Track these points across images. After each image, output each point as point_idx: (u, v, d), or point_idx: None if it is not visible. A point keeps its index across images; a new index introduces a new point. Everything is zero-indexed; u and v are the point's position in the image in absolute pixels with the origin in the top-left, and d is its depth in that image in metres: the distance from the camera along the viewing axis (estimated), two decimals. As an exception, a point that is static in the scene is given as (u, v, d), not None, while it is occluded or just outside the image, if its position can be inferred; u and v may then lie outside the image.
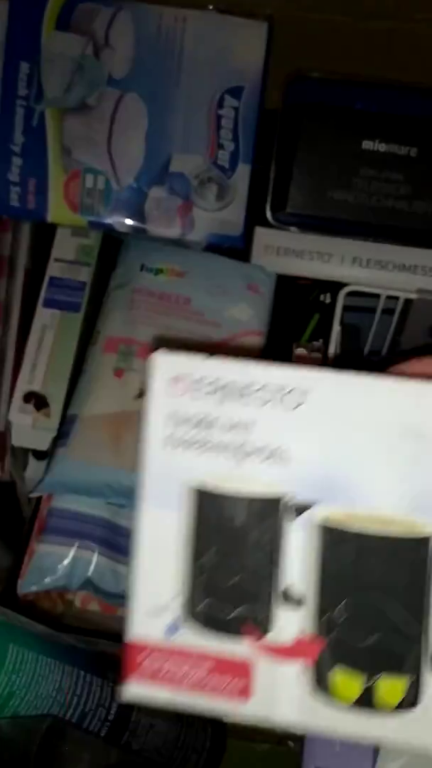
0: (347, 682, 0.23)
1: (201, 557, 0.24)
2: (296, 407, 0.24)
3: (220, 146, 0.49)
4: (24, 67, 0.48)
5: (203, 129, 0.48)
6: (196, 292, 0.49)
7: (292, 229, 0.49)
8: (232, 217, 0.49)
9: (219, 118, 0.49)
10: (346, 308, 0.55)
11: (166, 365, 0.25)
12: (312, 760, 0.39)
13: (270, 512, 0.24)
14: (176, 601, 0.24)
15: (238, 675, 0.24)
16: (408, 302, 0.48)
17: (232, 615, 0.24)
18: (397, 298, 0.49)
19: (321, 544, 0.24)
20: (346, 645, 0.23)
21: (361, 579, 0.23)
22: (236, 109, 0.49)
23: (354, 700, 0.23)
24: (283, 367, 0.24)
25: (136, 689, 0.24)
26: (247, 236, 0.50)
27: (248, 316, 0.48)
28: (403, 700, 0.23)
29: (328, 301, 0.48)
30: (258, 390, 0.24)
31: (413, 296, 0.48)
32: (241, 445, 0.24)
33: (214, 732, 0.43)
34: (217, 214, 0.49)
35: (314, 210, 0.47)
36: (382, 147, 0.45)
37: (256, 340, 0.48)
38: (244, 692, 0.24)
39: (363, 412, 0.24)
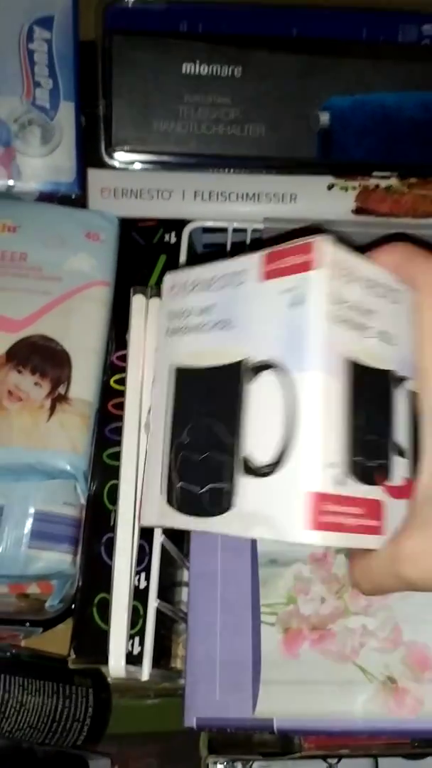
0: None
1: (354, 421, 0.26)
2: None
3: (37, 84, 0.45)
4: None
5: (15, 67, 0.44)
6: (32, 247, 0.45)
7: (129, 167, 0.46)
8: (62, 161, 0.46)
9: (31, 53, 0.45)
10: (205, 246, 0.53)
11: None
12: (193, 711, 0.39)
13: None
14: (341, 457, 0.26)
15: (376, 514, 0.27)
16: (257, 233, 0.46)
17: (373, 464, 0.27)
18: (245, 230, 0.46)
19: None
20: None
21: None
22: (48, 41, 0.45)
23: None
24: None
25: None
26: (83, 180, 0.47)
27: (90, 266, 0.45)
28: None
29: (173, 240, 0.46)
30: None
31: (260, 226, 0.46)
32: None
33: (96, 698, 0.42)
34: (46, 160, 0.46)
35: (142, 144, 0.43)
36: (203, 69, 0.42)
37: (102, 290, 0.45)
38: (379, 530, 0.27)
39: None
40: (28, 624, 0.44)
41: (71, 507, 0.44)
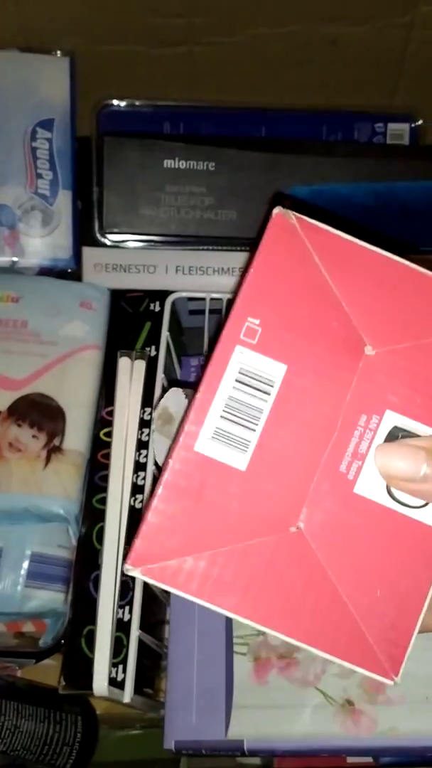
0: None
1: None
2: None
3: (39, 176, 0.52)
4: None
5: (20, 161, 0.51)
6: (33, 315, 0.51)
7: (119, 246, 0.53)
8: (60, 241, 0.52)
9: (34, 149, 0.52)
10: (190, 312, 0.59)
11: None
12: (171, 734, 0.43)
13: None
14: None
15: None
16: (231, 301, 0.52)
17: None
18: (221, 299, 0.52)
19: None
20: None
21: None
22: (49, 140, 0.52)
23: None
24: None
25: None
26: (78, 257, 0.53)
27: (83, 332, 0.51)
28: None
29: (158, 309, 0.52)
30: None
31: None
32: None
33: (84, 725, 0.45)
34: (46, 240, 0.52)
35: (130, 227, 0.50)
36: (182, 164, 0.49)
37: (94, 353, 0.51)
38: None
39: None
40: (22, 657, 0.48)
41: (64, 549, 0.48)
